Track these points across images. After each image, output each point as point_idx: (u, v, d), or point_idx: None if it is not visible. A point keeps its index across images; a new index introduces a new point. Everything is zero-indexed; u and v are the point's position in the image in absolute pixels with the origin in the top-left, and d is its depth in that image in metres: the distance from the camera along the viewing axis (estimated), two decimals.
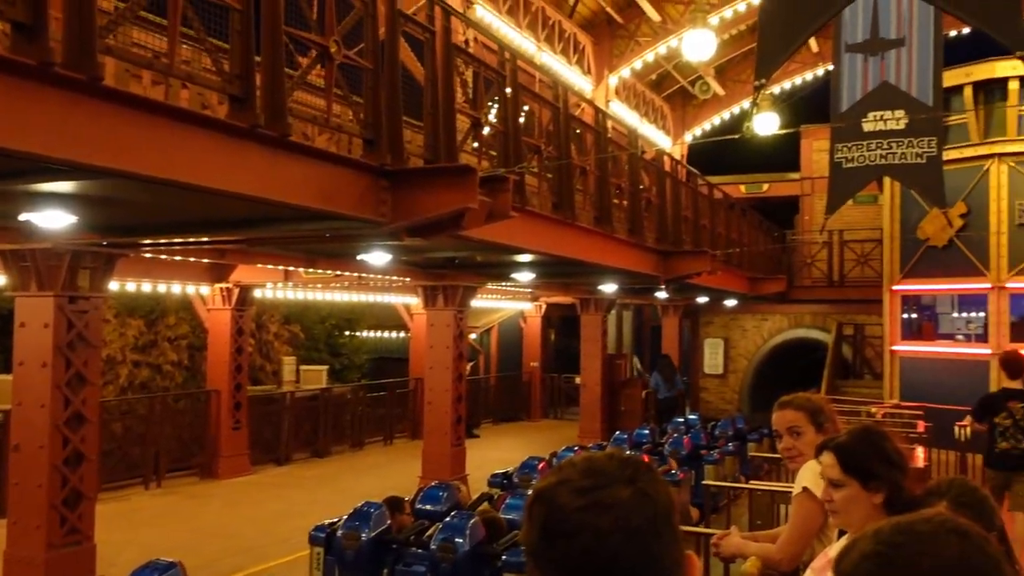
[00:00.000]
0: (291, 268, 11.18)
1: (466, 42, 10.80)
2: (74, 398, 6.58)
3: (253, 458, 13.12)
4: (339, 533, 6.36)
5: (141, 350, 14.39)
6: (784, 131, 15.41)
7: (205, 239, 7.30)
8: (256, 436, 13.48)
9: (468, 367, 16.11)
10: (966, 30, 16.80)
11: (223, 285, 12.34)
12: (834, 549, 2.64)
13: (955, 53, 13.04)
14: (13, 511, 6.62)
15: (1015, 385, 7.48)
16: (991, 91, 13.02)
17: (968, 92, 12.90)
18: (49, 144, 3.68)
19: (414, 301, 16.60)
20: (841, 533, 2.71)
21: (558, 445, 11.28)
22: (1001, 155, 12.69)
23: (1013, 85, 12.51)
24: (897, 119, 9.75)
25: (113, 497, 10.86)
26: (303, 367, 16.25)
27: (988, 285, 12.67)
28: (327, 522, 6.61)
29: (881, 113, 9.86)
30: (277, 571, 8.13)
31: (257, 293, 13.22)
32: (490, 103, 7.61)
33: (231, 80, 4.44)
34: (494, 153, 7.49)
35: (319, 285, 13.77)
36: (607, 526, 1.02)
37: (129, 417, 12.60)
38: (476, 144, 7.28)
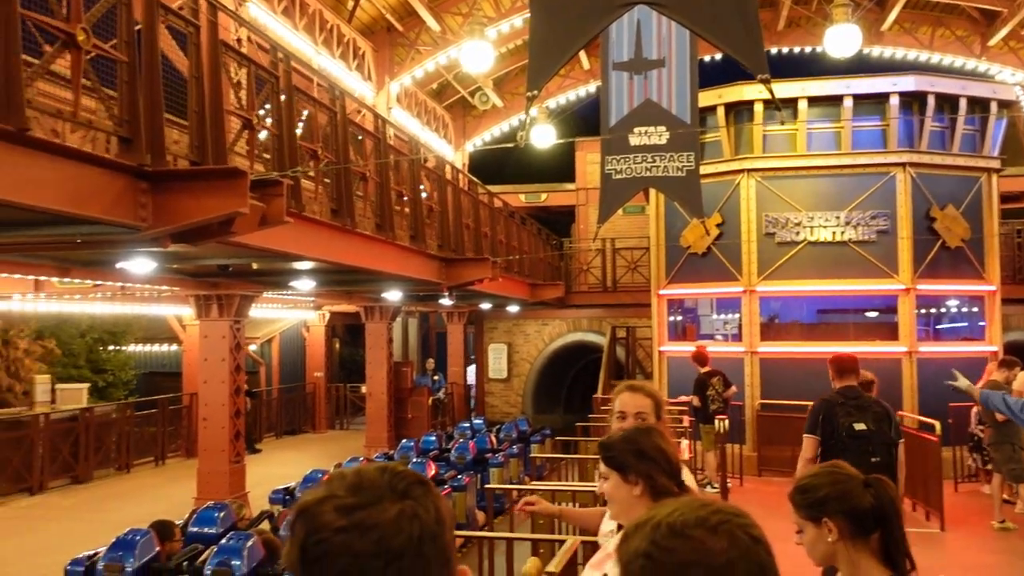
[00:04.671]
0: (41, 278, 10.18)
1: (239, 40, 10.36)
2: None
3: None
4: (100, 565, 5.85)
5: None
6: (561, 141, 16.05)
7: None
8: (2, 464, 12.16)
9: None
10: (719, 55, 18.34)
11: None
12: (613, 543, 2.75)
13: (710, 75, 14.18)
14: None
15: (708, 369, 11.66)
16: (740, 112, 14.24)
17: (721, 112, 14.03)
18: None
19: (187, 312, 15.67)
20: (620, 527, 2.83)
21: (343, 456, 11.06)
22: (750, 170, 13.90)
23: (758, 107, 13.75)
24: (659, 134, 10.41)
25: None
26: (60, 386, 14.85)
27: (741, 289, 13.83)
28: (86, 554, 6.06)
29: (645, 128, 10.48)
30: None
31: (2, 306, 11.93)
32: (265, 105, 7.32)
33: None
34: (268, 156, 7.21)
35: (76, 296, 12.66)
36: (367, 549, 0.97)
37: None
38: (248, 147, 6.97)
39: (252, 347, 18.91)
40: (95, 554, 6.03)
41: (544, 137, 16.97)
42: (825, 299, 14.42)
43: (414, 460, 10.14)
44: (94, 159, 4.97)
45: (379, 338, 15.96)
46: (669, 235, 15.00)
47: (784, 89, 13.37)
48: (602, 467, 2.69)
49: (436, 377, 19.15)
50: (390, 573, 0.97)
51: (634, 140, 10.59)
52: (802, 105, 13.61)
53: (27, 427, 13.07)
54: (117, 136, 5.18)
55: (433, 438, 12.06)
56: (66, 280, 10.19)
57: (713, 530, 1.16)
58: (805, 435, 5.55)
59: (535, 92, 5.31)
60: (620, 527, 2.89)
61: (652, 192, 14.17)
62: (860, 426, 5.33)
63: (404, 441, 11.90)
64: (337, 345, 23.68)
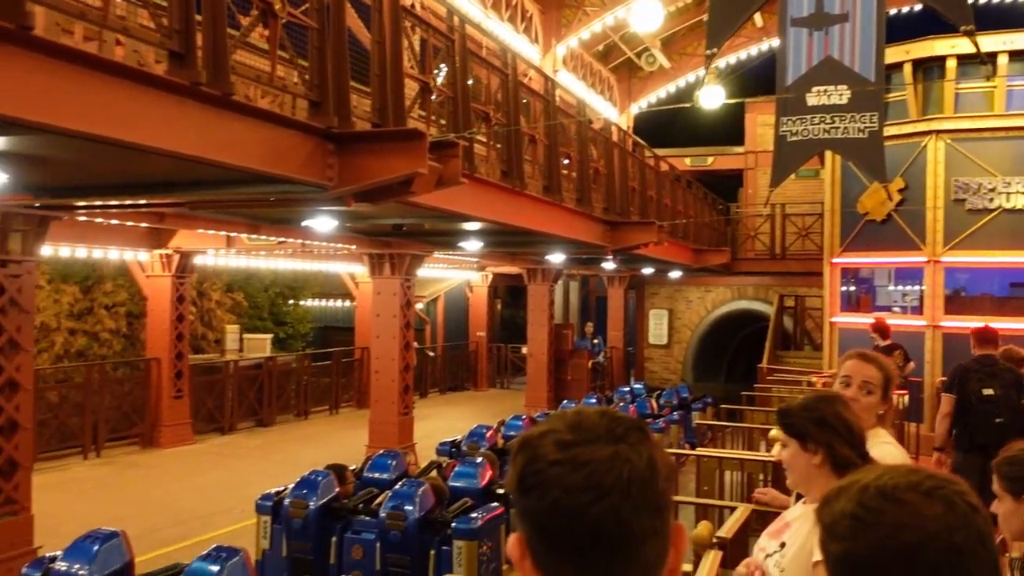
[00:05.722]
0: (233, 234, 10.94)
1: (412, 5, 10.63)
2: (7, 365, 6.37)
3: (196, 427, 12.94)
4: (286, 502, 6.31)
5: (77, 317, 13.99)
6: (731, 101, 15.51)
7: (143, 201, 7.09)
8: (198, 405, 13.27)
9: None
10: (905, 8, 17.11)
11: (163, 251, 12.04)
12: (791, 513, 2.70)
13: (895, 30, 13.24)
14: None
15: (888, 343, 10.23)
16: (930, 69, 13.25)
17: (908, 69, 13.11)
18: None
19: (359, 269, 16.42)
20: (798, 497, 2.78)
21: (504, 414, 11.33)
22: (939, 132, 12.95)
23: (951, 63, 12.74)
24: (840, 94, 9.88)
25: (50, 467, 10.61)
26: (247, 336, 15.99)
27: (924, 259, 12.99)
28: (274, 490, 6.55)
29: (825, 87, 9.97)
30: (221, 540, 8.02)
31: (198, 260, 12.93)
32: (437, 69, 7.50)
33: (170, 35, 4.29)
34: (443, 121, 7.39)
35: (262, 252, 13.53)
36: (577, 483, 0.99)
37: (65, 386, 12.29)
38: (423, 111, 7.18)
39: (419, 306, 19.61)
40: (282, 491, 6.51)
41: (713, 98, 16.48)
42: (1020, 271, 13.32)
43: (623, 413, 10.25)
44: (288, 121, 5.27)
45: (541, 300, 16.15)
46: (845, 201, 14.26)
47: (983, 43, 12.24)
48: (780, 434, 2.64)
49: (595, 340, 19.22)
50: (598, 509, 0.98)
51: (812, 100, 10.11)
52: (1002, 60, 12.50)
53: (219, 372, 14.20)
54: (308, 99, 5.46)
55: (593, 400, 12.15)
56: (254, 237, 10.90)
57: (927, 495, 1.10)
58: (944, 394, 6.38)
59: (714, 50, 5.16)
60: (799, 497, 2.83)
61: (828, 155, 13.51)
62: (988, 391, 6.09)
63: (564, 402, 12.06)
64: (499, 306, 24.17)
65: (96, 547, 4.43)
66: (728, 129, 22.92)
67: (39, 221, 6.66)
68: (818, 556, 2.35)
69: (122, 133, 4.18)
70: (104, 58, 4.15)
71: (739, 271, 19.86)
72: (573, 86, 18.09)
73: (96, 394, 11.94)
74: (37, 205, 6.47)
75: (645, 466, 1.03)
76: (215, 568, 4.22)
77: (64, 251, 11.15)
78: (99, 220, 9.58)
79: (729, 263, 19.43)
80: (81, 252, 11.43)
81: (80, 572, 4.34)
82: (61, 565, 4.41)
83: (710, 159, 22.58)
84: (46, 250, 8.27)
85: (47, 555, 4.69)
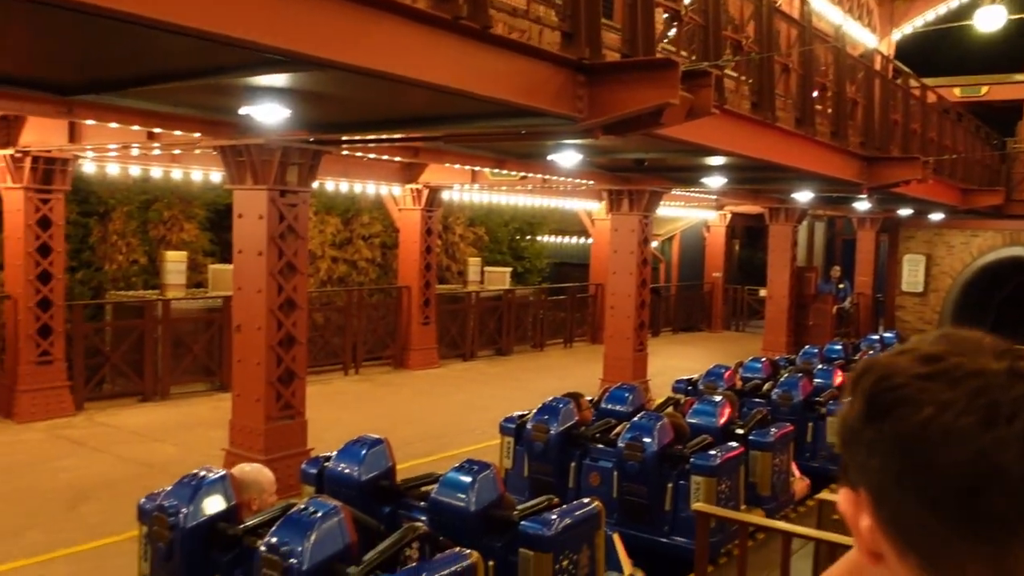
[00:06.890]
0: (479, 169, 11.34)
1: None
2: (286, 285, 7.06)
3: (440, 352, 13.75)
4: (528, 425, 6.56)
5: (338, 246, 15.20)
6: (1016, 17, 13.58)
7: (401, 136, 7.50)
8: (443, 332, 14.07)
9: None
10: None
11: (414, 186, 12.74)
12: None
13: None
14: (237, 385, 7.29)
15: None
16: None
17: None
18: (265, 32, 3.82)
19: (595, 207, 16.51)
20: None
21: (740, 356, 11.03)
22: None
23: None
24: None
25: (317, 380, 11.70)
26: (487, 268, 16.64)
27: None
28: (516, 414, 6.83)
29: None
30: (467, 457, 8.53)
31: (444, 195, 13.56)
32: None
33: None
34: (693, 57, 7.15)
35: (503, 188, 13.94)
36: (958, 400, 0.74)
37: (328, 309, 13.47)
38: (672, 41, 6.98)
39: (653, 244, 19.41)
40: (524, 415, 6.77)
41: (994, 19, 14.65)
42: None
43: (819, 367, 9.79)
44: (541, 53, 5.32)
45: (783, 241, 15.46)
46: None
47: None
48: None
49: (842, 285, 18.14)
50: (992, 436, 0.72)
51: None
52: None
53: (462, 302, 14.96)
54: (560, 31, 5.48)
55: (839, 347, 11.52)
56: (498, 172, 11.25)
57: None
58: None
59: None
60: None
61: None
62: None
63: (807, 347, 11.51)
64: (736, 246, 23.42)
65: (364, 451, 4.85)
66: (1007, 55, 20.38)
67: (312, 155, 7.24)
68: None
69: (389, 66, 4.41)
70: None
71: (1014, 214, 17.86)
72: (828, 12, 16.84)
73: (355, 317, 13.01)
74: (311, 140, 7.02)
75: None
76: (468, 479, 4.48)
77: (329, 185, 12.13)
78: (359, 155, 10.28)
79: (1002, 205, 17.50)
80: (343, 186, 12.37)
81: (350, 472, 4.78)
82: (333, 464, 4.88)
83: (984, 89, 20.30)
84: (314, 184, 8.99)
85: (321, 455, 5.20)
